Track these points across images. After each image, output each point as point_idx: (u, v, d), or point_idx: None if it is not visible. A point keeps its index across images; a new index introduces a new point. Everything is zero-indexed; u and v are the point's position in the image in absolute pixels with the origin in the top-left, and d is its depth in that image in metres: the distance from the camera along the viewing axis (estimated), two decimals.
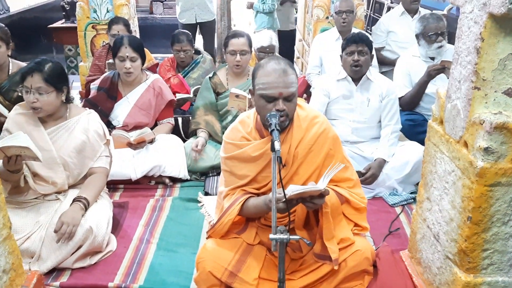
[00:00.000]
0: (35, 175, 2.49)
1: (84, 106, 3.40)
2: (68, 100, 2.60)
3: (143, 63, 3.43)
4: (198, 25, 5.74)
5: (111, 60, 3.81)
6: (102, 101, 3.42)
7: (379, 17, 7.11)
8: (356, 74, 3.18)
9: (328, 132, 2.16)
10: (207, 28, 5.77)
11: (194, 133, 3.57)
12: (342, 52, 3.22)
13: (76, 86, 5.08)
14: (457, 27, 1.78)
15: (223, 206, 2.21)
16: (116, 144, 3.21)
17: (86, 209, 2.43)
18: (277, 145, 1.83)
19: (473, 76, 1.63)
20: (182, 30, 4.40)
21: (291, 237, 1.81)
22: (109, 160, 2.68)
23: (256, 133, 2.18)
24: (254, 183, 2.17)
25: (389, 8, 7.00)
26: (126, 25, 4.15)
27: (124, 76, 3.35)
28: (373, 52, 3.28)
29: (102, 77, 3.54)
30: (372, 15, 7.66)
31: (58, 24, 6.89)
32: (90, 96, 3.50)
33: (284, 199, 1.82)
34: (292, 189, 1.86)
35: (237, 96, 3.27)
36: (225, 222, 2.13)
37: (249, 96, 3.23)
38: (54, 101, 2.49)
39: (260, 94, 2.02)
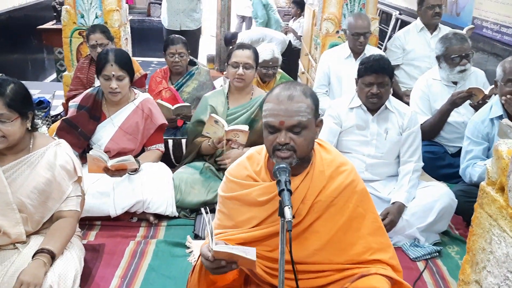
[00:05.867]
0: None
1: (61, 126, 2.99)
2: (33, 127, 2.17)
3: (131, 81, 3.00)
4: (182, 33, 5.38)
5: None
6: (83, 122, 2.97)
7: (387, 29, 6.74)
8: (374, 106, 2.76)
9: (356, 185, 1.78)
10: (190, 37, 5.41)
11: (193, 157, 3.15)
12: (358, 77, 2.78)
13: (59, 96, 4.64)
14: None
15: None
16: (91, 167, 2.70)
17: (51, 263, 2.00)
18: (287, 212, 1.42)
19: None
20: (175, 34, 4.00)
21: None
22: (80, 200, 2.23)
23: (267, 173, 1.80)
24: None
25: (397, 20, 6.63)
26: (104, 31, 3.72)
27: (110, 96, 2.92)
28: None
29: (83, 94, 3.10)
30: (379, 26, 7.28)
31: (48, 25, 6.52)
32: (69, 115, 3.05)
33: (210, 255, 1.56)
34: (220, 246, 1.55)
35: (216, 121, 2.88)
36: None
37: (226, 126, 2.84)
38: (19, 129, 2.06)
39: (263, 123, 1.71)
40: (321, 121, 1.76)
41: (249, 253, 1.52)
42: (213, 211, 2.83)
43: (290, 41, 6.27)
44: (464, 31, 3.90)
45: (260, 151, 1.87)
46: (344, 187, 1.75)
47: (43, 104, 4.13)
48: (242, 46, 3.11)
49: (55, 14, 6.59)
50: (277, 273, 1.52)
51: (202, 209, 1.66)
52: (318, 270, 1.76)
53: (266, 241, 1.76)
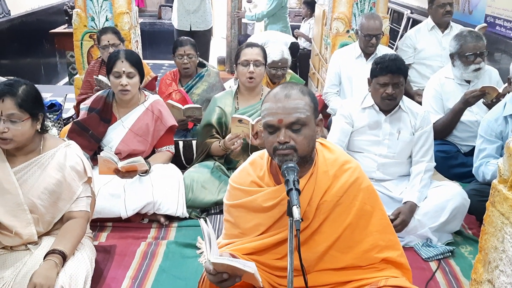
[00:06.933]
0: None
1: (72, 129, 3.00)
2: (44, 129, 2.19)
3: (141, 82, 3.01)
4: (192, 34, 5.40)
5: (100, 76, 3.41)
6: (94, 124, 2.98)
7: (398, 28, 6.69)
8: (388, 107, 2.73)
9: (362, 182, 1.75)
10: (201, 38, 5.42)
11: (203, 158, 3.14)
12: (371, 77, 2.75)
13: (70, 99, 4.67)
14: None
15: None
16: (101, 168, 2.73)
17: (62, 264, 2.01)
18: (296, 212, 1.40)
19: None
20: (184, 36, 4.02)
21: None
22: (90, 201, 2.25)
23: (270, 178, 1.78)
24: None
25: (408, 19, 6.58)
26: (116, 33, 3.74)
27: (120, 94, 2.93)
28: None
29: (93, 96, 3.11)
30: (390, 25, 7.23)
31: (60, 29, 6.57)
32: (80, 118, 3.07)
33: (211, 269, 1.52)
34: (217, 258, 1.50)
35: (240, 121, 2.88)
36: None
37: (252, 120, 2.85)
38: (28, 130, 2.08)
39: (262, 124, 1.70)
40: (321, 120, 1.74)
41: (248, 265, 1.50)
42: (222, 212, 2.86)
43: (298, 44, 6.25)
44: (476, 30, 3.85)
45: (262, 156, 1.85)
46: (349, 185, 1.72)
47: (55, 107, 4.16)
48: (251, 44, 3.12)
49: (66, 18, 6.63)
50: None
51: (201, 220, 1.64)
52: (322, 284, 1.73)
53: (275, 249, 1.74)
